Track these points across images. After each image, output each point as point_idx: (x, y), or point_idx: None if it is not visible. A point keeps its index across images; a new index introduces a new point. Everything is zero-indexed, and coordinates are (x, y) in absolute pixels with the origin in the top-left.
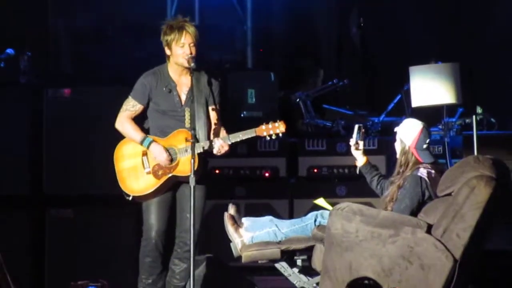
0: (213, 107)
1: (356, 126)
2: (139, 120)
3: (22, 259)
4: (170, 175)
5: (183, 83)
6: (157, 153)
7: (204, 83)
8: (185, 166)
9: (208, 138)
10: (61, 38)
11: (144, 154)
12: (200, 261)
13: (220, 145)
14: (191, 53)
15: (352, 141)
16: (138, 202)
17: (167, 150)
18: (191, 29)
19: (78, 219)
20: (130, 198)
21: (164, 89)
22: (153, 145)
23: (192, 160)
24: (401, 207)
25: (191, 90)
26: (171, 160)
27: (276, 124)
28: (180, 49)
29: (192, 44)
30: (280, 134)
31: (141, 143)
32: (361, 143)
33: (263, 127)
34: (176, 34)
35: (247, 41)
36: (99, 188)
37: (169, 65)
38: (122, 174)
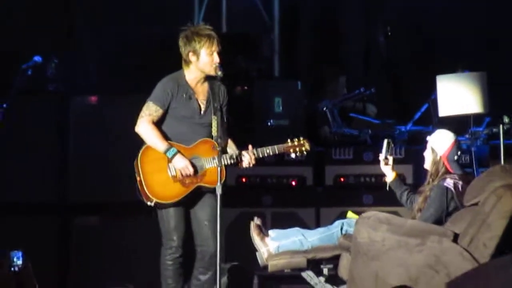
0: (226, 117)
1: (385, 141)
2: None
3: (49, 267)
4: (197, 184)
5: (200, 91)
6: (183, 167)
7: (218, 92)
8: (213, 176)
9: (226, 148)
10: (88, 45)
11: (169, 160)
12: (225, 269)
13: (250, 159)
14: (219, 61)
15: (381, 156)
16: (155, 208)
17: (191, 163)
18: (217, 38)
19: (104, 227)
20: (153, 203)
21: (184, 95)
22: (177, 157)
23: (219, 169)
24: (426, 216)
25: (210, 98)
26: (196, 171)
27: (301, 142)
28: (209, 57)
29: (219, 52)
30: (305, 153)
31: (165, 152)
32: (390, 158)
33: (290, 144)
34: (206, 41)
35: (274, 49)
36: (124, 196)
37: (187, 73)
38: (148, 179)
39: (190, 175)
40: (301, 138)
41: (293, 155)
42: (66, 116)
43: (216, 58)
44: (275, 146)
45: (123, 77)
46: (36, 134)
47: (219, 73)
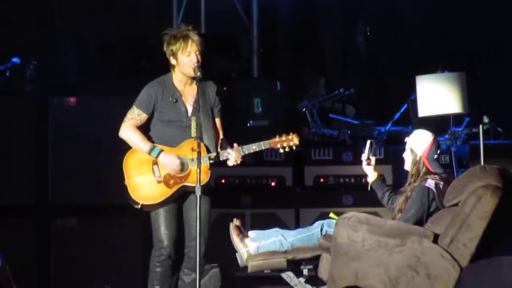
0: (219, 117)
1: (368, 142)
2: (143, 129)
3: (28, 269)
4: (181, 184)
5: (188, 93)
6: (169, 162)
7: (209, 93)
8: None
9: (216, 148)
10: (67, 47)
11: (155, 162)
12: (207, 270)
13: (236, 156)
14: (197, 61)
15: (363, 157)
16: (144, 211)
17: (179, 157)
18: (195, 37)
19: (83, 229)
20: (139, 206)
21: (170, 99)
22: (162, 155)
23: (198, 170)
24: (407, 216)
25: (197, 100)
26: (182, 169)
27: (290, 137)
28: (186, 58)
29: (197, 52)
30: (294, 147)
31: (149, 152)
32: (373, 158)
33: (277, 139)
34: (182, 43)
35: (253, 50)
36: (104, 197)
37: (174, 75)
38: (132, 181)
39: (177, 170)
40: (290, 133)
41: (281, 151)
42: (45, 117)
43: (194, 58)
44: (261, 142)
45: (102, 78)
46: (15, 136)
47: (198, 74)
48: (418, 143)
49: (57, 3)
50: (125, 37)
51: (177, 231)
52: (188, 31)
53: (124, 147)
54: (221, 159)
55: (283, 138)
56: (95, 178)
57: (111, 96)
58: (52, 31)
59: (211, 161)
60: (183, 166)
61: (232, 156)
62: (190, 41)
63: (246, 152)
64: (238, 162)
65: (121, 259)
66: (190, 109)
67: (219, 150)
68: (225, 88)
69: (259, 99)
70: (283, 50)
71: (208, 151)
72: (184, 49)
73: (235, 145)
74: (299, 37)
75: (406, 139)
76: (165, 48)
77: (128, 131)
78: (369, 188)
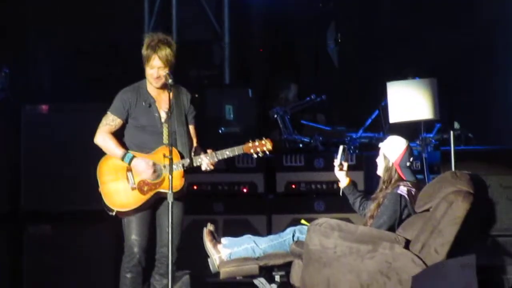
0: (193, 124)
1: (341, 147)
2: (118, 135)
3: (1, 276)
4: (155, 191)
5: (162, 100)
6: (142, 166)
7: (184, 100)
8: (172, 182)
9: (190, 154)
10: (39, 54)
11: (129, 169)
12: (179, 277)
13: (208, 162)
14: (158, 77)
15: (336, 162)
16: (118, 218)
17: (154, 163)
18: (163, 52)
19: (57, 236)
20: (114, 213)
21: (143, 104)
22: (134, 160)
23: (170, 176)
24: (379, 223)
25: (172, 106)
26: (157, 175)
27: (263, 142)
28: (150, 69)
29: (161, 68)
30: (267, 152)
31: (122, 159)
32: (345, 164)
33: (250, 144)
34: (149, 54)
35: (225, 57)
36: (77, 204)
37: (147, 81)
38: (106, 188)
39: (152, 176)
40: (263, 138)
41: (254, 156)
42: (18, 125)
43: (154, 73)
44: (235, 147)
45: (75, 86)
46: None
47: (170, 81)
48: (392, 150)
49: (30, 10)
50: (98, 44)
51: (148, 237)
52: (159, 42)
53: (98, 153)
54: (194, 165)
55: (256, 143)
56: (68, 184)
57: (84, 103)
58: (25, 38)
59: (185, 168)
60: (156, 172)
61: (205, 161)
62: (155, 56)
63: (220, 158)
64: (211, 167)
65: (94, 266)
66: (164, 115)
67: (192, 156)
68: (196, 95)
69: (230, 106)
70: (255, 57)
71: (182, 158)
72: (148, 61)
73: (208, 151)
74: (271, 44)
75: (380, 145)
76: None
77: (103, 138)
78: (340, 194)
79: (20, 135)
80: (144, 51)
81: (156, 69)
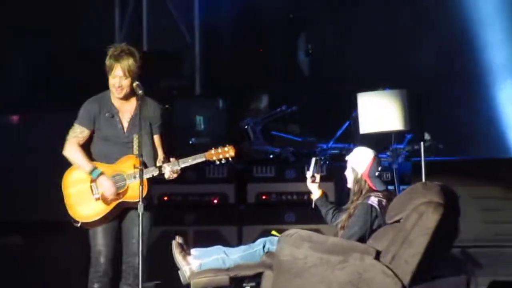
0: (158, 134)
1: (313, 159)
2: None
3: None
4: (119, 201)
5: (125, 110)
6: (105, 188)
7: (148, 110)
8: (135, 191)
9: (155, 164)
10: (11, 64)
11: (93, 180)
12: (148, 287)
13: (171, 171)
14: (119, 87)
15: (308, 174)
16: (86, 228)
17: (114, 183)
18: (125, 62)
19: (27, 246)
20: (79, 224)
21: (106, 114)
22: (101, 178)
23: (141, 187)
24: (350, 233)
25: (135, 117)
26: (119, 188)
27: (226, 149)
28: (111, 79)
29: (122, 78)
30: (230, 159)
31: (90, 173)
32: (317, 176)
33: (213, 151)
34: (111, 64)
35: (195, 67)
36: (47, 214)
37: (111, 92)
38: (70, 200)
39: (113, 194)
40: (226, 145)
41: (217, 163)
42: None
43: (116, 83)
44: (197, 155)
45: (46, 95)
46: None
47: (140, 91)
48: (359, 162)
49: (3, 16)
50: (69, 53)
51: (114, 248)
52: (122, 52)
53: (68, 163)
54: (157, 173)
55: (219, 150)
56: (38, 195)
57: (53, 113)
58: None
59: (151, 176)
60: (119, 187)
61: (168, 169)
62: (117, 65)
63: (183, 166)
64: (175, 175)
65: (63, 277)
66: (126, 125)
67: (157, 165)
68: (167, 106)
69: (201, 117)
70: (226, 68)
71: (145, 166)
72: (110, 71)
73: (171, 159)
74: (242, 55)
75: (347, 157)
76: None
77: (70, 150)
78: (313, 206)
79: None
80: (107, 61)
81: (118, 78)
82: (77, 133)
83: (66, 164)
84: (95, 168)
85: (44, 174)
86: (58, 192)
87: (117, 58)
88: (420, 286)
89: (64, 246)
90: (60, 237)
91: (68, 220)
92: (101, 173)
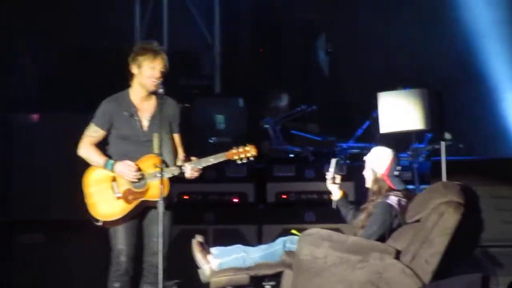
0: (178, 132)
1: (334, 160)
2: (100, 146)
3: None
4: (141, 199)
5: (145, 109)
6: (124, 169)
7: (168, 109)
8: (156, 190)
9: (175, 163)
10: (28, 63)
11: (114, 179)
12: (168, 286)
13: (192, 170)
14: (159, 77)
15: (329, 175)
16: (107, 227)
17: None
18: (164, 56)
19: (48, 244)
20: (100, 223)
21: (125, 113)
22: (116, 165)
23: (161, 186)
24: (369, 232)
25: (155, 115)
26: (140, 183)
27: (247, 148)
28: (150, 70)
29: (162, 70)
30: (251, 158)
31: (104, 166)
32: (338, 177)
33: (234, 151)
34: (151, 55)
35: (215, 66)
36: (68, 213)
37: (131, 90)
38: (91, 199)
39: (135, 178)
40: (247, 144)
41: (238, 162)
42: (9, 134)
43: (157, 74)
44: (219, 154)
45: (65, 94)
46: None
47: (161, 90)
48: (378, 162)
49: (16, 17)
50: (88, 52)
51: (135, 246)
52: (158, 47)
53: (83, 163)
54: (178, 172)
55: (240, 150)
56: (59, 193)
57: (73, 112)
58: (11, 46)
59: (171, 176)
60: (140, 179)
61: (188, 168)
62: (159, 57)
63: (204, 165)
64: (196, 175)
65: (84, 276)
66: (146, 124)
67: (177, 164)
68: (187, 105)
69: (221, 116)
70: (246, 67)
71: (166, 166)
72: (150, 62)
73: (192, 158)
74: (262, 54)
75: (365, 158)
76: (130, 58)
77: (85, 149)
78: (334, 207)
79: (12, 144)
80: (143, 55)
81: (157, 69)
82: (91, 133)
83: (87, 163)
84: (108, 160)
85: (65, 173)
86: (79, 191)
87: (158, 51)
88: (434, 283)
89: (84, 244)
90: (79, 236)
91: (87, 219)
92: (115, 162)
